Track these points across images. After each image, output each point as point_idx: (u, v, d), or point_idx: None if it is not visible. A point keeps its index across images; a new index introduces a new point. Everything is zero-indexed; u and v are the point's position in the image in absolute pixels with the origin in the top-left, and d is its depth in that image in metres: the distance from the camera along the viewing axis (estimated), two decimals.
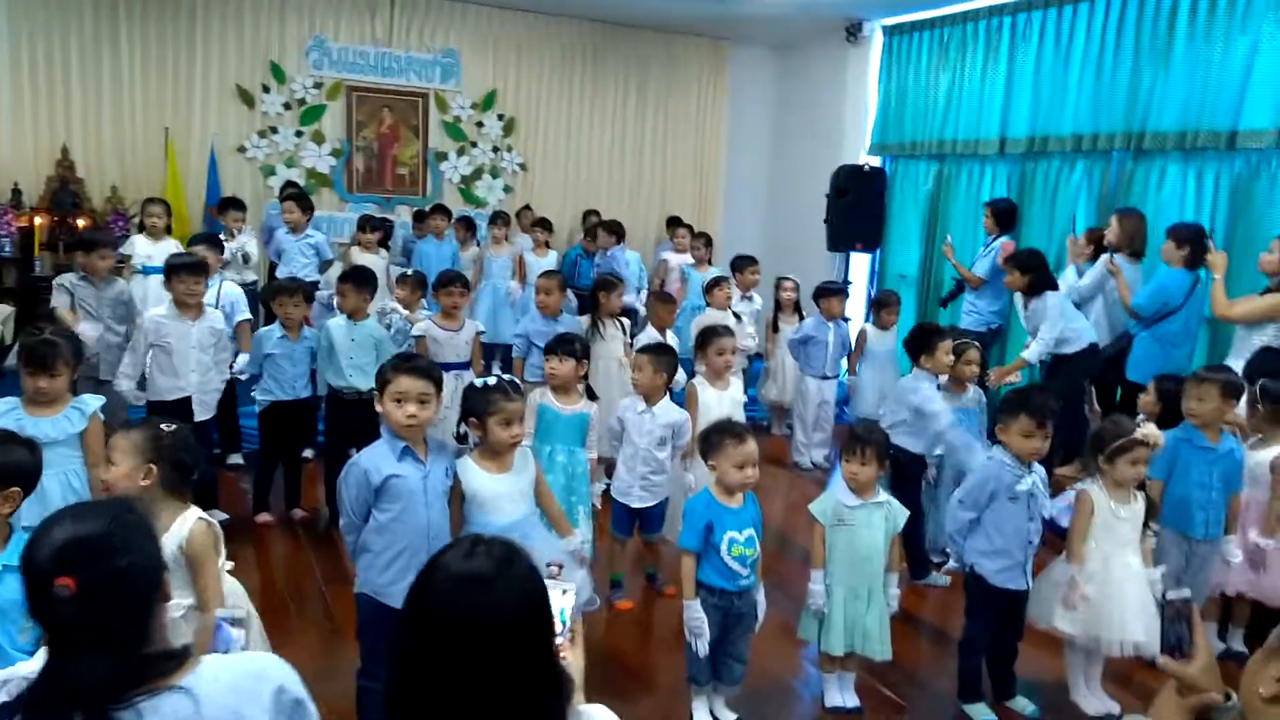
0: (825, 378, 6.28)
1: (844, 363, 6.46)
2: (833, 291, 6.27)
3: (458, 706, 1.33)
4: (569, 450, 3.93)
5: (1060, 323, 5.40)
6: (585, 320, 5.64)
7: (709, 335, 4.51)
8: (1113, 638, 3.24)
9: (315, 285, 6.64)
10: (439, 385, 2.84)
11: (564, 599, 1.74)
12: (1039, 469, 3.33)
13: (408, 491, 2.73)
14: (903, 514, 3.34)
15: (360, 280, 4.98)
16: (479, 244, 8.11)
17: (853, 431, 3.36)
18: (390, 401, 2.74)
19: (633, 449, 4.04)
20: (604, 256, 7.88)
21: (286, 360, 4.75)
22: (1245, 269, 5.42)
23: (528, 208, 8.84)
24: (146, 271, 6.19)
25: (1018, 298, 5.68)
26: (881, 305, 6.42)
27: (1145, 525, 3.36)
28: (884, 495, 3.32)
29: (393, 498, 2.73)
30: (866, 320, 6.72)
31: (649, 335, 5.60)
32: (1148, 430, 3.27)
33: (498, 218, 7.93)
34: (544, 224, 8.09)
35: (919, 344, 4.57)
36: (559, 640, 1.63)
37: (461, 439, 3.15)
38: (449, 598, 1.36)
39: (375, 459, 2.76)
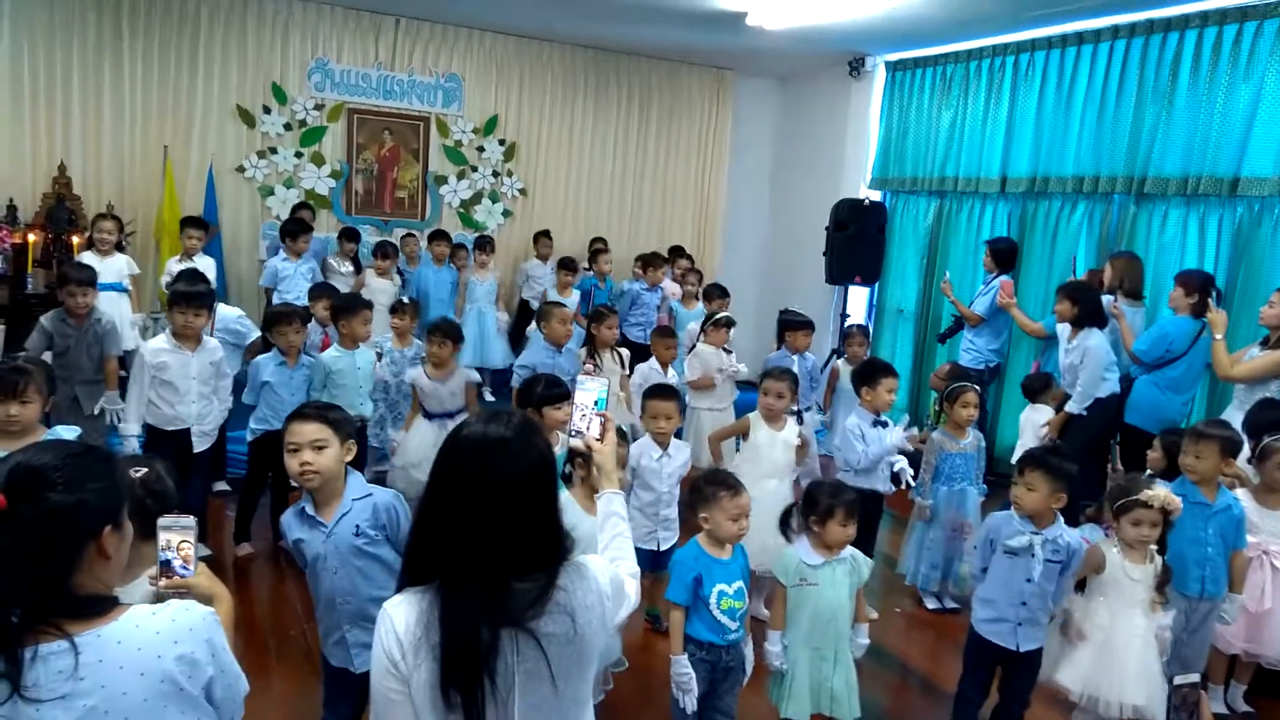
0: (794, 412, 6.16)
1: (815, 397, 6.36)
2: (798, 324, 6.09)
3: (471, 555, 1.53)
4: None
5: (1100, 371, 5.28)
6: (582, 353, 5.59)
7: (763, 375, 4.57)
8: (1111, 699, 3.16)
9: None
10: (338, 427, 2.64)
11: (599, 387, 2.04)
12: (1054, 534, 3.19)
13: (311, 555, 2.62)
14: (867, 565, 3.23)
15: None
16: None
17: (834, 492, 3.16)
18: (286, 453, 2.60)
19: (653, 495, 3.99)
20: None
21: (284, 388, 4.69)
22: (1246, 316, 5.39)
23: (546, 234, 8.77)
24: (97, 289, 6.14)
25: (1062, 330, 5.53)
26: (849, 339, 6.32)
27: (1160, 590, 3.28)
28: (846, 550, 3.19)
29: (303, 559, 2.66)
30: (839, 356, 6.62)
31: (650, 368, 5.57)
32: (1153, 493, 3.19)
33: (485, 243, 7.91)
34: (568, 264, 7.95)
35: (863, 378, 4.61)
36: (592, 425, 2.02)
37: (566, 479, 3.11)
38: (472, 455, 1.58)
39: (287, 520, 2.68)
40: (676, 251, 8.80)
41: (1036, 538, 3.16)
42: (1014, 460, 5.33)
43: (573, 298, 7.78)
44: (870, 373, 4.59)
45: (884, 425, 4.57)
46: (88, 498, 1.44)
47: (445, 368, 4.92)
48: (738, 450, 4.75)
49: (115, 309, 5.95)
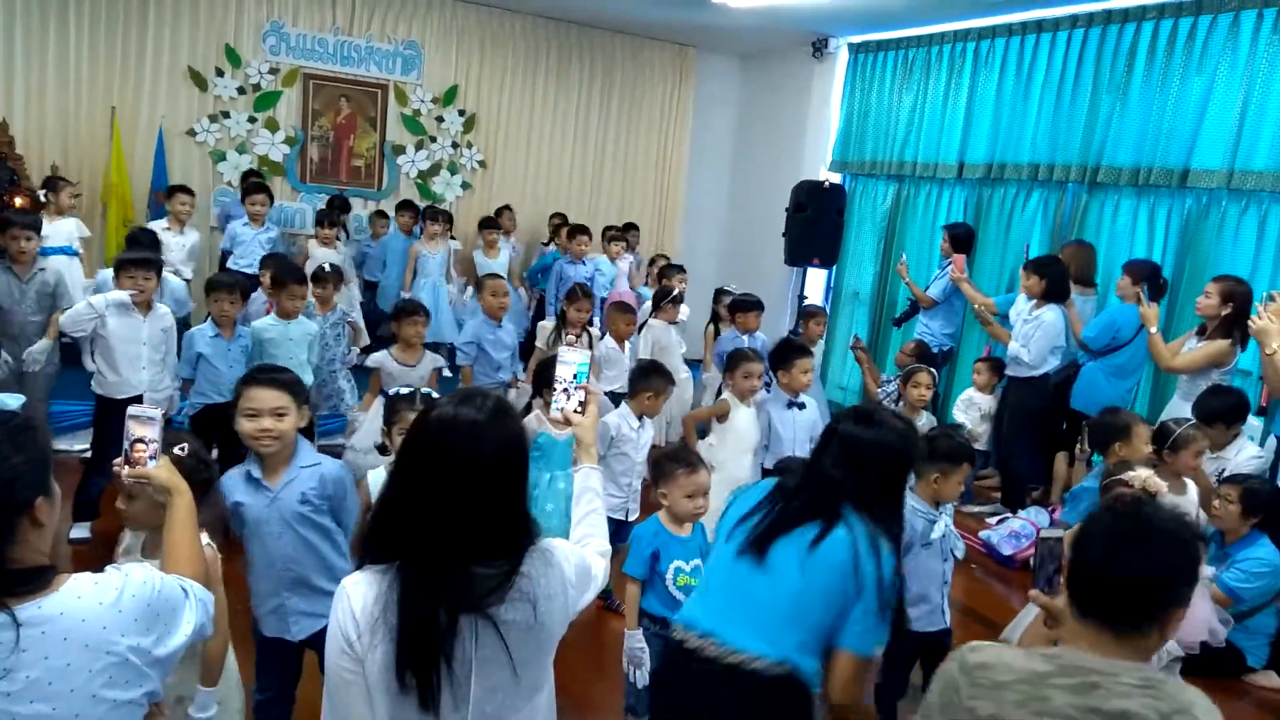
0: None
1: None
2: (749, 305, 6.12)
3: (435, 537, 1.51)
4: (569, 475, 3.88)
5: (1049, 346, 5.41)
6: (549, 326, 5.64)
7: (735, 357, 4.53)
8: None
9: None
10: (297, 394, 2.61)
11: (579, 359, 2.03)
12: (947, 506, 3.28)
13: (251, 519, 2.58)
14: None
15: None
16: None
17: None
18: (242, 416, 2.54)
19: (628, 464, 4.03)
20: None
21: (220, 360, 4.57)
22: (1193, 305, 5.50)
23: (508, 208, 8.72)
24: (45, 253, 6.01)
25: (1024, 304, 5.66)
26: (809, 317, 6.31)
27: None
28: None
29: (240, 523, 2.61)
30: (795, 333, 6.65)
31: (606, 345, 5.58)
32: (1134, 474, 3.25)
33: (436, 214, 7.82)
34: (489, 223, 8.05)
35: (779, 358, 4.50)
36: (572, 398, 2.00)
37: (383, 450, 3.09)
38: (442, 436, 1.56)
39: (229, 481, 2.62)
40: (628, 228, 8.74)
41: (945, 519, 3.18)
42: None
43: (500, 259, 7.79)
44: (785, 354, 4.48)
45: (800, 407, 4.53)
46: (16, 473, 1.41)
47: (417, 350, 4.78)
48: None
49: (66, 273, 5.81)
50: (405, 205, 8.02)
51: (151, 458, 1.89)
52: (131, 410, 1.92)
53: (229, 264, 6.79)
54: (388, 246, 7.84)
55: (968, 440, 3.29)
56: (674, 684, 2.25)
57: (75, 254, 6.23)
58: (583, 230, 7.83)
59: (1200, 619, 3.78)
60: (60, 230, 6.12)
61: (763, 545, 2.12)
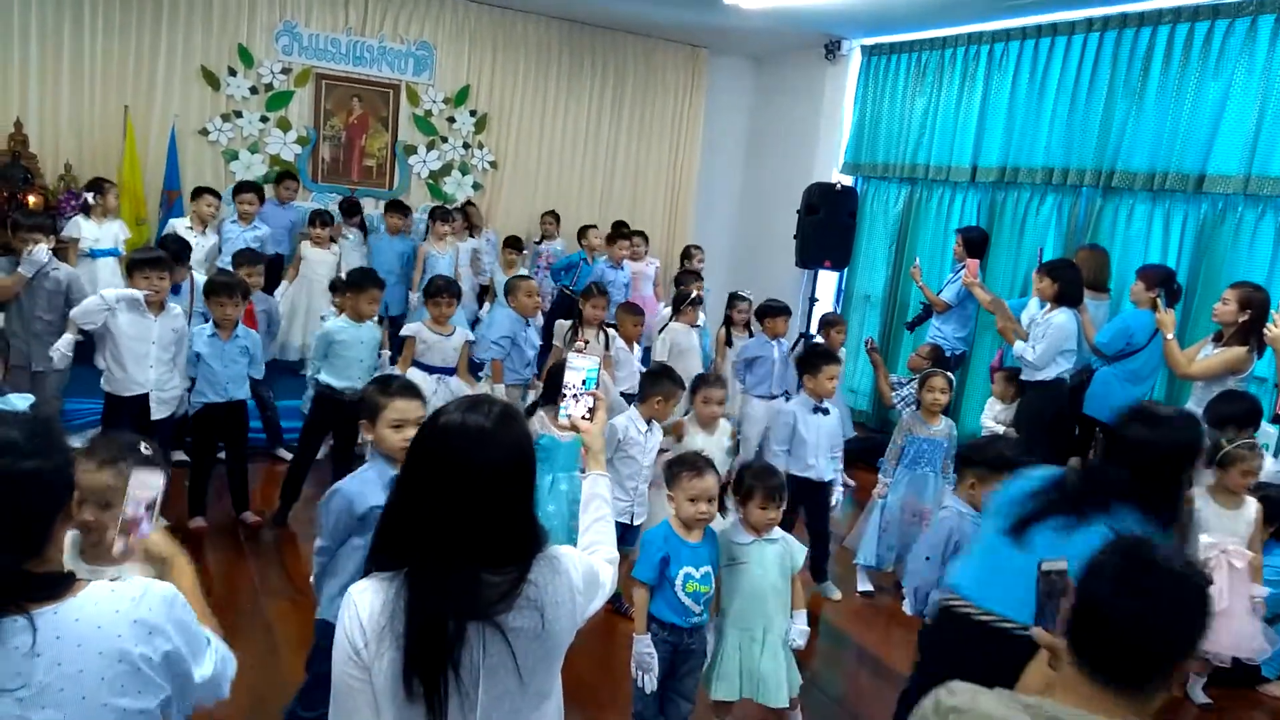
0: (772, 397, 6.16)
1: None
2: (777, 311, 6.06)
3: (443, 544, 1.51)
4: (570, 477, 3.90)
5: (1058, 348, 5.33)
6: (565, 325, 5.68)
7: (699, 383, 4.47)
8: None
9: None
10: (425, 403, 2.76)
11: (588, 365, 2.02)
12: None
13: None
14: (801, 552, 3.17)
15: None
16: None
17: (757, 475, 3.13)
18: (386, 428, 2.63)
19: (634, 468, 4.02)
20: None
21: (216, 360, 4.58)
22: (1207, 312, 5.45)
23: (470, 203, 8.75)
24: (95, 255, 6.04)
25: (1036, 306, 5.60)
26: (830, 325, 6.32)
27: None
28: (778, 532, 3.15)
29: (363, 528, 2.58)
30: (809, 337, 6.63)
31: (617, 346, 5.60)
32: None
33: (447, 214, 7.78)
34: (514, 243, 7.97)
35: (806, 364, 4.56)
36: (580, 403, 1.99)
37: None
38: (449, 443, 1.55)
39: (362, 487, 2.62)
40: (619, 226, 8.71)
41: None
42: None
43: (516, 273, 7.72)
44: (812, 360, 4.55)
45: (824, 412, 4.54)
46: (56, 473, 1.42)
47: (447, 326, 5.12)
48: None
49: (113, 276, 5.87)
50: (394, 206, 7.80)
51: (148, 525, 1.76)
52: (135, 476, 1.78)
53: (218, 262, 6.79)
54: (375, 249, 7.61)
55: (1014, 452, 3.26)
56: (941, 640, 2.60)
57: (122, 256, 6.26)
58: (623, 235, 7.87)
59: (1247, 634, 3.74)
60: (108, 233, 6.17)
61: (1023, 528, 2.37)
